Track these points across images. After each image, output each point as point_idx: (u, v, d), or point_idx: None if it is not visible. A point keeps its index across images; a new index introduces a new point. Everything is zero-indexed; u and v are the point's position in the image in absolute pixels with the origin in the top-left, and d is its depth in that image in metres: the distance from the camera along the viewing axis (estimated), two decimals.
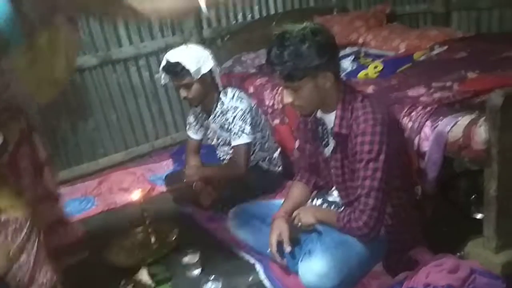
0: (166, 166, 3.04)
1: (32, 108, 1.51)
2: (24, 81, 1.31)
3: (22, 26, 1.14)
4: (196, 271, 1.75)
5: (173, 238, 2.01)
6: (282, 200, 1.72)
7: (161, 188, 2.62)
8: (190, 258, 1.74)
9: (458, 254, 1.57)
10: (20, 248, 1.31)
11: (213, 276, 1.63)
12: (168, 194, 2.50)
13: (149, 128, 3.32)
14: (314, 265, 1.38)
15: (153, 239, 2.00)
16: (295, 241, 1.57)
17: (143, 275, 1.74)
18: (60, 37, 1.36)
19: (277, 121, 2.52)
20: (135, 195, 1.99)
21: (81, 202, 2.66)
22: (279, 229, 1.55)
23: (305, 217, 1.55)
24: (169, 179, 2.49)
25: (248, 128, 2.13)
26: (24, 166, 1.49)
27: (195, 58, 2.03)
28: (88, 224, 2.34)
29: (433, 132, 1.55)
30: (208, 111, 2.26)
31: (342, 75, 2.35)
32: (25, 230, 1.33)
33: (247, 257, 1.83)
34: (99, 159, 3.14)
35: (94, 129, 3.10)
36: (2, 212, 1.30)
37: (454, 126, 1.49)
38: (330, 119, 1.47)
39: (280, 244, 1.54)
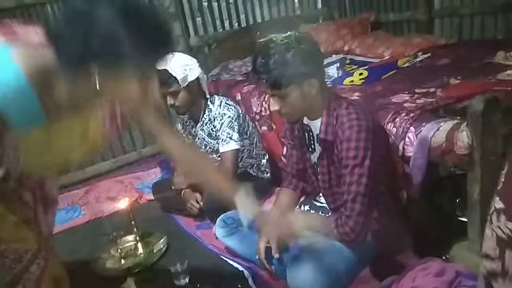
0: (154, 174, 3.03)
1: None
2: (26, 160, 1.13)
3: (44, 107, 1.00)
4: (184, 280, 1.75)
5: (161, 246, 2.00)
6: (270, 207, 1.73)
7: (149, 196, 2.61)
8: (178, 267, 1.73)
9: (444, 257, 1.59)
10: (17, 277, 1.25)
11: (202, 284, 1.62)
12: (156, 202, 2.49)
13: (137, 136, 3.30)
14: (302, 271, 1.38)
15: (140, 248, 1.99)
16: (283, 248, 1.57)
17: (131, 285, 1.73)
18: (92, 127, 1.22)
19: (264, 127, 2.53)
20: (123, 204, 1.98)
21: (68, 211, 2.63)
22: (267, 236, 1.55)
23: (293, 223, 1.55)
24: (157, 187, 2.48)
25: (235, 135, 2.14)
26: (30, 195, 1.30)
27: (182, 66, 2.04)
28: (75, 233, 2.31)
29: (417, 137, 1.57)
30: (195, 119, 2.26)
31: (328, 82, 2.38)
32: (24, 262, 1.24)
33: (236, 264, 1.82)
34: (86, 167, 3.11)
35: None
36: (3, 241, 1.23)
37: (437, 131, 1.51)
38: (316, 125, 1.49)
39: (268, 250, 1.54)
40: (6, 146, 1.04)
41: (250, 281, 1.70)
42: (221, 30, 3.52)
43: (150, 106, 1.25)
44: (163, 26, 0.97)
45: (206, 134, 2.24)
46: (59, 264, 1.40)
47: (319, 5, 4.00)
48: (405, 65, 2.51)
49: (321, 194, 1.63)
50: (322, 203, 1.64)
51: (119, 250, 2.02)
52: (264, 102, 2.49)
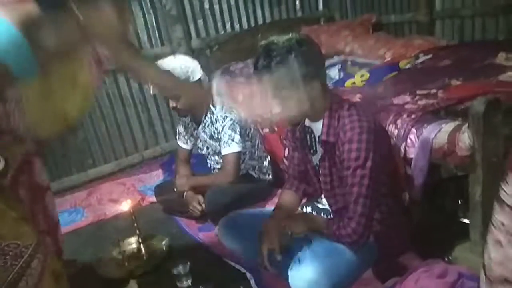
0: (156, 176, 3.03)
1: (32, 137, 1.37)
2: (29, 112, 1.19)
3: (36, 56, 1.03)
4: (187, 282, 1.75)
5: (163, 248, 2.01)
6: (272, 208, 1.73)
7: (151, 198, 2.61)
8: (180, 269, 1.73)
9: (446, 259, 1.59)
10: (19, 275, 1.27)
11: (204, 286, 1.62)
12: (158, 205, 2.50)
13: (139, 138, 3.32)
14: (304, 273, 1.38)
15: (143, 250, 1.99)
16: (285, 249, 1.57)
17: (133, 287, 1.73)
18: (81, 73, 1.27)
19: (266, 129, 2.54)
20: (125, 206, 1.98)
21: (70, 214, 2.64)
22: (270, 238, 1.55)
23: (295, 225, 1.56)
24: (159, 189, 2.48)
25: (237, 137, 2.14)
26: (25, 192, 1.42)
27: (184, 68, 2.05)
28: (77, 235, 2.32)
29: (418, 139, 1.57)
30: (197, 121, 2.27)
31: (330, 83, 2.39)
32: (25, 257, 1.26)
33: (238, 266, 1.83)
34: (88, 170, 3.12)
35: (84, 140, 3.08)
36: (3, 238, 1.25)
37: (439, 132, 1.52)
38: (318, 127, 1.49)
39: (270, 252, 1.55)
40: (12, 101, 1.10)
41: (252, 283, 1.71)
42: (222, 32, 3.53)
43: (126, 38, 1.31)
44: None
45: (208, 136, 2.25)
46: (56, 258, 1.44)
47: (320, 7, 4.01)
48: (407, 67, 2.51)
49: (323, 196, 1.63)
50: (324, 205, 1.64)
51: (121, 252, 2.03)
52: None
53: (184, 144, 2.39)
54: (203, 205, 2.15)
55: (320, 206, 1.66)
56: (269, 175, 2.37)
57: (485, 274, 0.88)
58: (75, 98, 1.29)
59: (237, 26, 3.59)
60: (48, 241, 1.59)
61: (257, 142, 2.33)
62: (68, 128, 1.40)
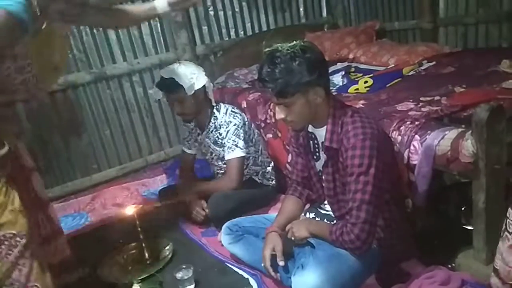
0: (160, 181, 3.04)
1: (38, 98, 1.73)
2: (36, 60, 1.46)
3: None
4: (190, 287, 1.75)
5: (167, 253, 2.01)
6: (275, 214, 1.74)
7: (155, 203, 2.61)
8: (183, 274, 1.74)
9: (449, 266, 1.59)
10: (13, 264, 1.32)
11: None
12: (162, 209, 2.50)
13: (143, 143, 3.33)
14: (308, 279, 1.38)
15: (146, 255, 2.00)
16: (288, 255, 1.58)
17: None
18: (57, 31, 1.52)
19: (269, 135, 2.54)
20: (129, 211, 1.99)
21: (74, 218, 2.65)
22: (273, 243, 1.56)
23: (298, 230, 1.56)
24: (163, 194, 2.49)
25: (241, 143, 2.15)
26: (13, 174, 1.49)
27: (188, 74, 2.07)
28: (81, 240, 2.33)
29: (422, 145, 1.58)
30: (201, 126, 2.28)
31: (333, 90, 2.40)
32: (19, 247, 1.33)
33: (241, 271, 1.83)
34: (92, 174, 3.13)
35: (88, 145, 3.10)
36: (1, 229, 1.32)
37: (442, 139, 1.52)
38: (321, 133, 1.50)
39: (273, 258, 1.55)
40: (23, 58, 1.39)
41: None
42: (227, 38, 3.55)
43: None
44: None
45: (212, 141, 2.26)
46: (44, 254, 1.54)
47: (324, 14, 4.02)
48: (410, 73, 2.52)
49: (326, 202, 1.64)
50: (327, 210, 1.65)
51: (125, 256, 2.03)
52: (269, 110, 2.51)
53: (188, 149, 2.40)
54: (206, 210, 2.15)
55: (323, 212, 1.66)
56: (272, 180, 2.37)
57: (499, 278, 0.88)
58: (55, 54, 1.57)
59: (241, 33, 3.61)
60: (53, 246, 1.71)
61: (260, 148, 2.34)
62: (60, 75, 1.78)
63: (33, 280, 1.37)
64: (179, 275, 1.74)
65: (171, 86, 2.05)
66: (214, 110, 2.22)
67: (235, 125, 2.16)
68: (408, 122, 1.68)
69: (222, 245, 1.92)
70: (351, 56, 3.24)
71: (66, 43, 1.76)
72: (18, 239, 1.34)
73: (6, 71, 1.39)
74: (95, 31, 2.91)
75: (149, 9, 1.84)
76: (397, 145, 1.66)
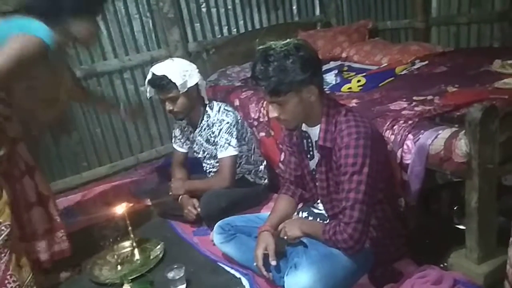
0: (151, 179, 3.01)
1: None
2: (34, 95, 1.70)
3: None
4: (181, 286, 1.73)
5: (158, 253, 1.99)
6: (268, 213, 1.73)
7: (146, 201, 2.59)
8: (175, 273, 1.72)
9: (442, 265, 1.59)
10: None
11: None
12: (153, 208, 2.48)
13: (134, 141, 3.30)
14: (300, 279, 1.38)
15: (137, 254, 1.98)
16: (281, 255, 1.57)
17: None
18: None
19: (262, 134, 2.53)
20: (120, 209, 1.97)
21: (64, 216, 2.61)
22: (265, 243, 1.55)
23: (291, 230, 1.55)
24: (154, 192, 2.47)
25: (234, 141, 2.13)
26: (15, 172, 1.67)
27: (181, 71, 2.04)
28: (71, 238, 2.29)
29: (415, 145, 1.58)
30: (194, 125, 2.26)
31: (326, 89, 2.39)
32: (3, 235, 1.44)
33: (233, 271, 1.81)
34: (82, 172, 3.10)
35: (78, 142, 3.06)
36: None
37: (435, 139, 1.52)
38: (315, 132, 1.49)
39: (266, 257, 1.54)
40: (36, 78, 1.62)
41: None
42: (219, 36, 3.53)
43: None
44: None
45: (205, 139, 2.24)
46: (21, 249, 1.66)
47: (317, 12, 4.02)
48: (403, 73, 2.53)
49: (319, 201, 1.63)
50: (320, 209, 1.64)
51: (115, 256, 2.01)
52: (262, 108, 2.50)
53: (180, 147, 2.38)
54: (198, 209, 2.13)
55: (316, 211, 1.66)
56: (265, 179, 2.36)
57: (509, 283, 0.91)
58: (62, 88, 1.80)
59: (234, 30, 3.59)
60: (46, 241, 1.83)
61: (253, 146, 2.32)
62: (61, 111, 1.97)
63: (11, 270, 1.50)
64: (170, 274, 1.72)
65: (163, 83, 2.02)
66: (207, 108, 2.20)
67: (228, 123, 2.14)
68: (401, 122, 1.68)
69: (214, 244, 1.91)
70: (344, 55, 3.24)
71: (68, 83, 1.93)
72: (3, 227, 1.48)
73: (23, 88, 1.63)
74: None
75: None
76: (390, 144, 1.65)
